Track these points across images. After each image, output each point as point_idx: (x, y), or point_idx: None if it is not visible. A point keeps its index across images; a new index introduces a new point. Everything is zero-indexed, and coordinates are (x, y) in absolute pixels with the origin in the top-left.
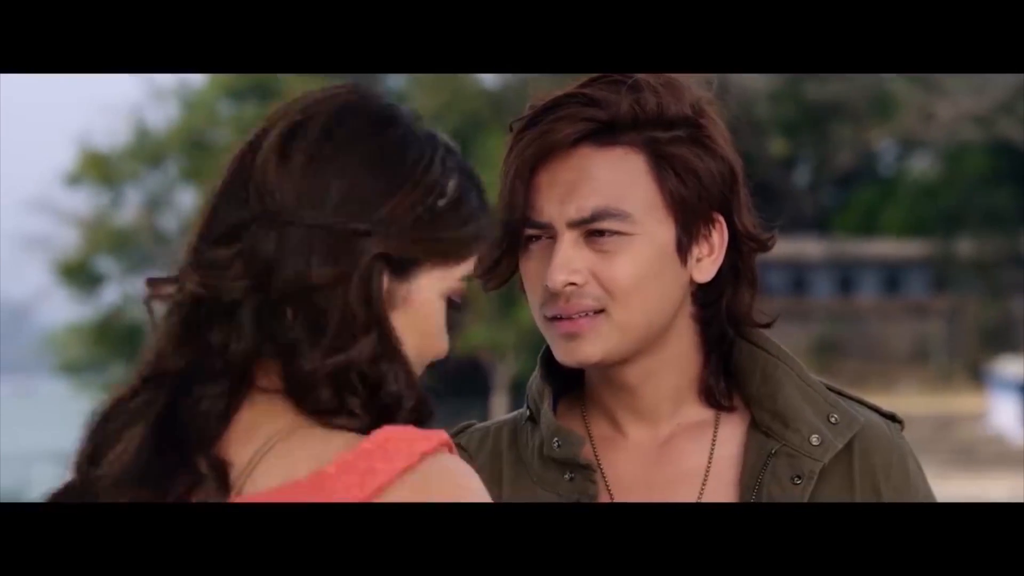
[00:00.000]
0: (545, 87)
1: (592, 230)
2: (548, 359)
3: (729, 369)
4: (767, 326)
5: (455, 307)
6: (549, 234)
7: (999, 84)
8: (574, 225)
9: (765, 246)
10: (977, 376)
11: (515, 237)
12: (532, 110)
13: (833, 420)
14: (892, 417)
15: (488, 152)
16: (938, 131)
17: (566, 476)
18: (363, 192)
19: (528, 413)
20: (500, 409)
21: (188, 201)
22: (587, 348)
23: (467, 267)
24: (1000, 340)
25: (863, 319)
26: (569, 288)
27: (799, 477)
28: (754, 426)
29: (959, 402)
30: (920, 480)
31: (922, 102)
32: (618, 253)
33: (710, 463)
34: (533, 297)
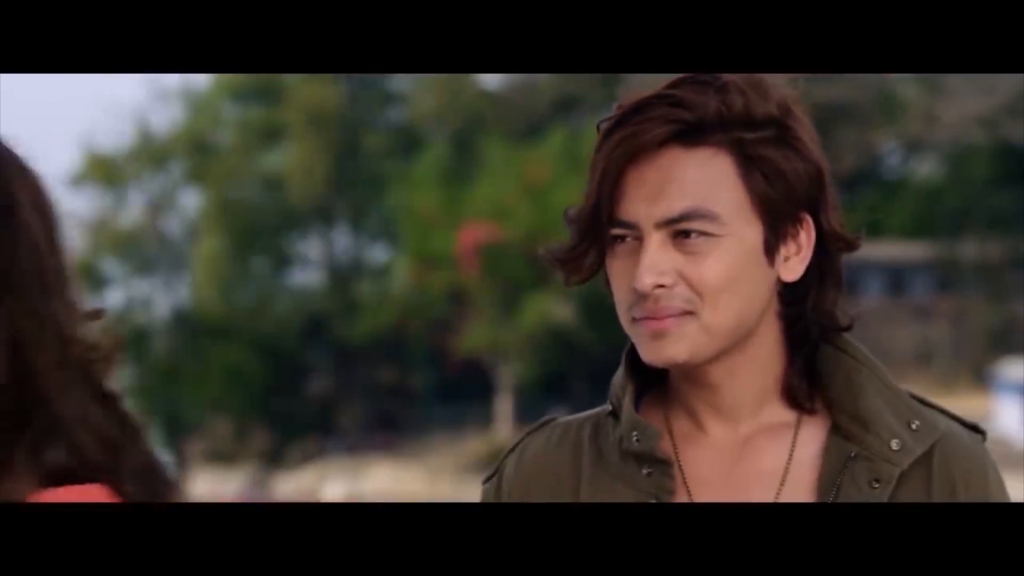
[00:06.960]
0: (633, 87)
1: (679, 231)
2: (632, 355)
3: (812, 372)
4: (848, 328)
5: None
6: (635, 234)
7: (1004, 86)
8: (662, 226)
9: (852, 245)
10: (981, 378)
11: (601, 236)
12: (620, 110)
13: (914, 427)
14: (975, 428)
15: (490, 154)
16: (943, 133)
17: (644, 471)
18: None
19: (610, 408)
20: (503, 411)
21: (191, 203)
22: (674, 348)
23: None
24: (1004, 342)
25: (867, 321)
26: (658, 290)
27: (878, 481)
28: (834, 430)
29: (963, 404)
30: (1000, 492)
31: (927, 104)
32: (706, 254)
33: (789, 464)
34: (620, 298)
